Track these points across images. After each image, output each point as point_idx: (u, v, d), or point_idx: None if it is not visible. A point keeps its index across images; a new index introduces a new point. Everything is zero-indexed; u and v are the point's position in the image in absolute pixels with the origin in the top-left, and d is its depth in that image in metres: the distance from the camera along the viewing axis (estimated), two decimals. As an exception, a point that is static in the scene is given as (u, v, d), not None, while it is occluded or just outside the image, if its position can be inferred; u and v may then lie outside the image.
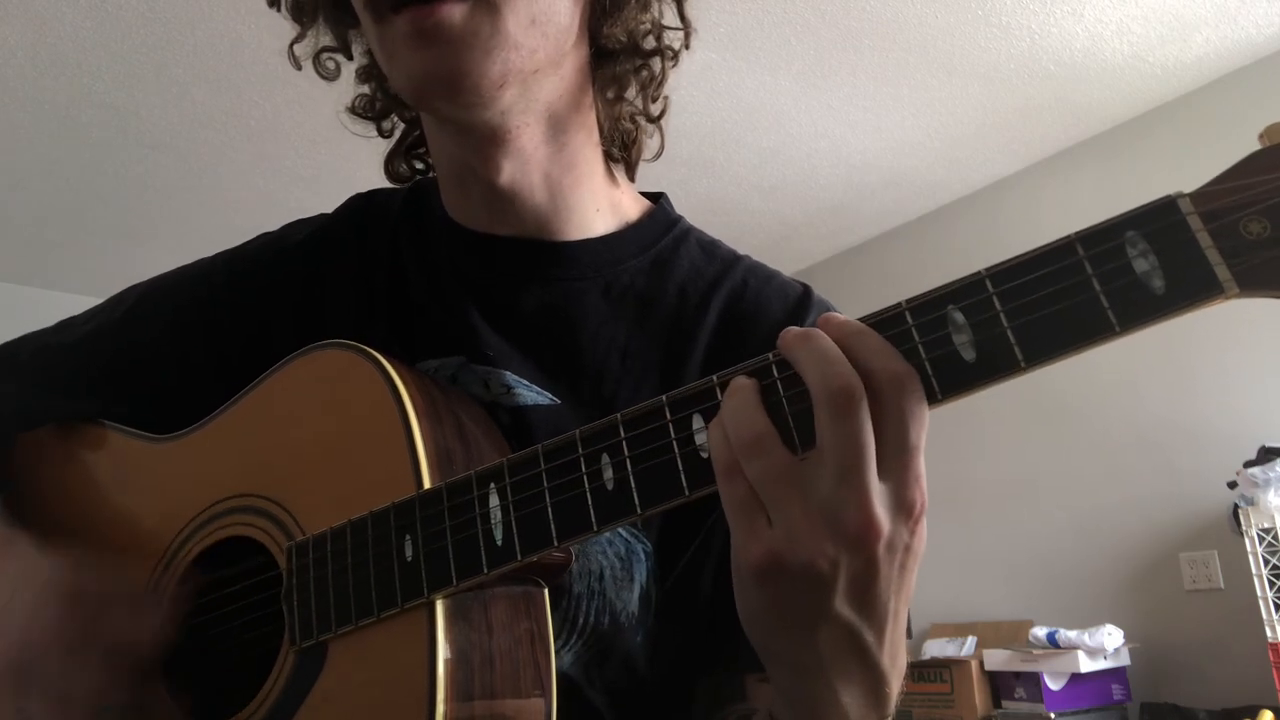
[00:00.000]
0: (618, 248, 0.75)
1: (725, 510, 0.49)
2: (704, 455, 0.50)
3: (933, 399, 0.46)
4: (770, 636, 0.51)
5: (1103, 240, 0.44)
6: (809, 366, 0.47)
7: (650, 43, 0.74)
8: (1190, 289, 0.42)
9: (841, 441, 0.45)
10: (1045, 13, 2.79)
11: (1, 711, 0.63)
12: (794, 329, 0.49)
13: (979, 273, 0.47)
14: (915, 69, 3.04)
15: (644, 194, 0.82)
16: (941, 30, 2.84)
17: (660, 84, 0.77)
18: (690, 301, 0.74)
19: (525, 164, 0.71)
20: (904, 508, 0.46)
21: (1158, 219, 0.44)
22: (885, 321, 0.48)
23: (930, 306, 0.47)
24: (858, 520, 0.45)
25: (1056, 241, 0.45)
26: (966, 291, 0.46)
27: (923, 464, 0.47)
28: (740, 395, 0.48)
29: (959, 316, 0.46)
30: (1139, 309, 0.43)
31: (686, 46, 0.76)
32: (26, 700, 0.63)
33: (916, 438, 0.46)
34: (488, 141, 0.69)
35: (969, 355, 0.46)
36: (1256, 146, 0.44)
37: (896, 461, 0.46)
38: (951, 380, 0.46)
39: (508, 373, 0.70)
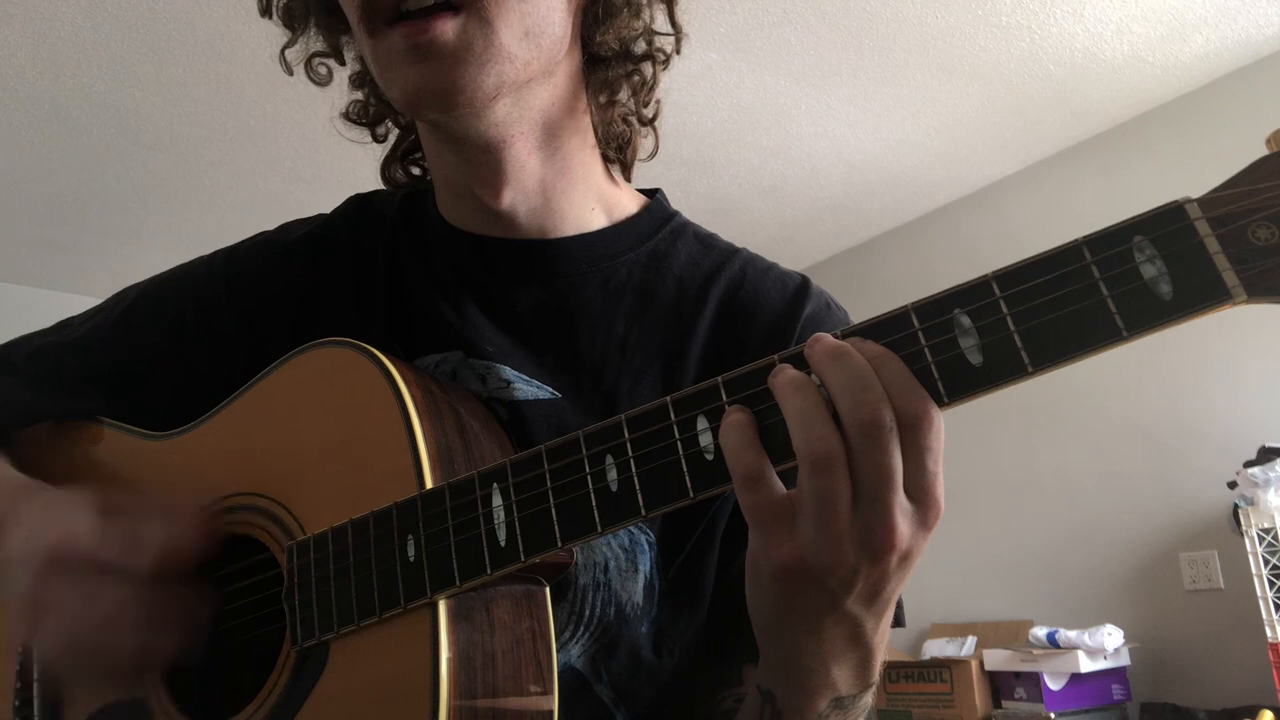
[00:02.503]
0: (615, 241, 0.76)
1: (745, 514, 0.49)
2: (708, 457, 0.50)
3: (939, 402, 0.46)
4: (776, 625, 0.54)
5: (1110, 245, 0.44)
6: (841, 393, 0.47)
7: (641, 47, 0.75)
8: (1198, 295, 0.42)
9: (873, 469, 0.46)
10: (1045, 13, 2.79)
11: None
12: (825, 339, 0.48)
13: (985, 276, 0.46)
14: (915, 69, 3.03)
15: (640, 190, 0.83)
16: (941, 30, 2.84)
17: (652, 88, 0.77)
18: (688, 293, 0.74)
19: (522, 178, 0.71)
20: (925, 524, 0.48)
21: (1165, 224, 0.43)
22: (892, 324, 0.48)
23: (937, 309, 0.47)
24: (885, 540, 0.47)
25: (1063, 245, 0.45)
26: (973, 294, 0.46)
27: (941, 481, 0.48)
28: (805, 396, 0.47)
29: (966, 320, 0.46)
30: (1146, 314, 0.43)
31: (678, 51, 0.77)
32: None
33: (936, 464, 0.47)
34: (483, 154, 0.70)
35: (976, 359, 0.46)
36: (1258, 147, 0.44)
37: (918, 487, 0.48)
38: (958, 384, 0.46)
39: (506, 368, 0.70)
